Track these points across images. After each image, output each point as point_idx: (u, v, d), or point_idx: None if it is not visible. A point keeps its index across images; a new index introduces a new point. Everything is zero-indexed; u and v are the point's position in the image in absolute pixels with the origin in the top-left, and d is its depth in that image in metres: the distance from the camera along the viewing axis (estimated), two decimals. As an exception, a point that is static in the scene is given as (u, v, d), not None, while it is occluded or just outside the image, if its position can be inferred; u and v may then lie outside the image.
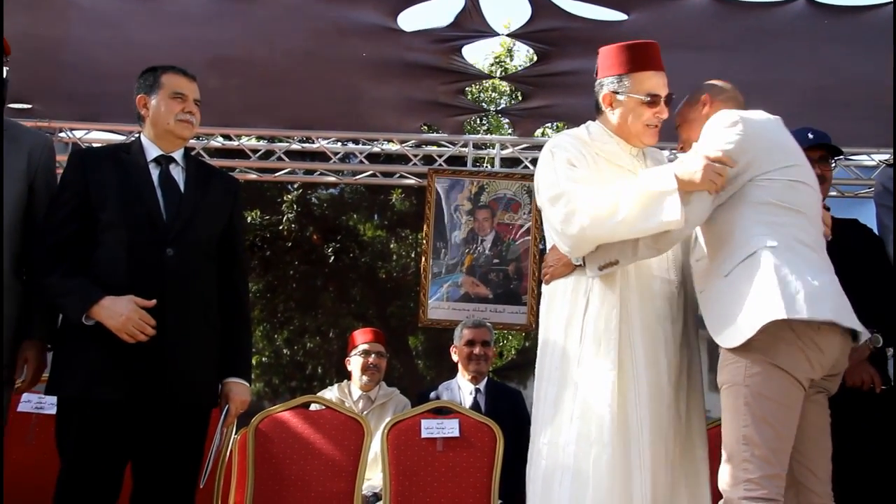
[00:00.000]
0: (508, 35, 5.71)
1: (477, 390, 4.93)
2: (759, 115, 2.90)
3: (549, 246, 3.11)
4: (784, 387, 2.60)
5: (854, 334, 2.74)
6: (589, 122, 3.12)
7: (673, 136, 3.21)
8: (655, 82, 3.00)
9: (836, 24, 4.95)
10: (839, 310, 2.65)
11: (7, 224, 3.06)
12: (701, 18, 4.66)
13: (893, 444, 3.29)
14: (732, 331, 2.67)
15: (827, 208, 3.54)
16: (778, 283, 2.60)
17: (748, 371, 2.61)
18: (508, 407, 4.83)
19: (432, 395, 5.00)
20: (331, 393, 5.10)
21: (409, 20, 5.26)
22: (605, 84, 3.04)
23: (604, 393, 2.78)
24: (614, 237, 2.78)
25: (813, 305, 2.58)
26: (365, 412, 4.87)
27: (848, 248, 3.39)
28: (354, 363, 5.13)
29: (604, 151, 3.01)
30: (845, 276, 3.26)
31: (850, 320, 2.68)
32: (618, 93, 3.01)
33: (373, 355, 5.10)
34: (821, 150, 3.48)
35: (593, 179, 2.89)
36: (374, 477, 4.44)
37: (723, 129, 2.80)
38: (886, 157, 6.24)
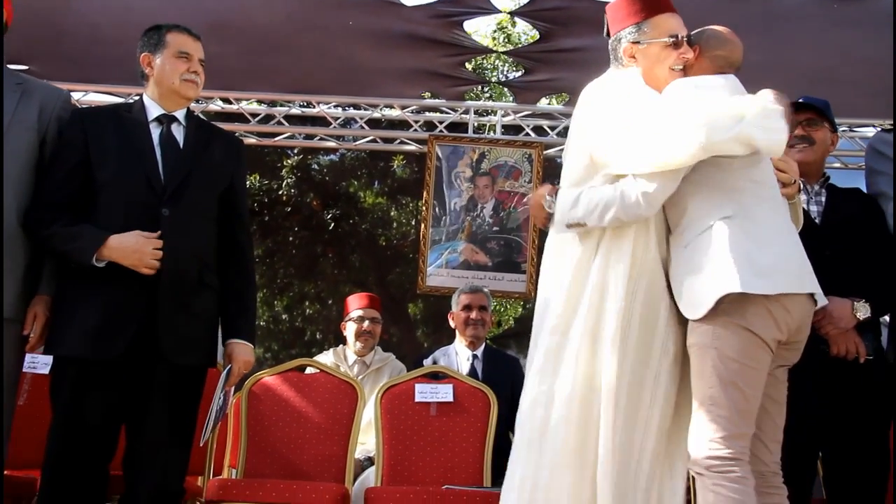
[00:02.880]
0: (510, 13, 5.70)
1: (474, 356, 4.95)
2: (720, 81, 2.83)
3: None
4: (751, 349, 2.62)
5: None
6: (612, 71, 2.98)
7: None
8: (675, 23, 2.89)
9: (844, 9, 4.98)
10: (794, 277, 2.66)
11: (16, 175, 3.09)
12: (708, 1, 4.67)
13: (878, 411, 3.34)
14: (692, 303, 2.68)
15: (827, 177, 3.56)
16: (733, 256, 2.61)
17: (716, 333, 2.62)
18: (506, 373, 4.84)
19: (429, 360, 5.02)
20: (326, 357, 5.14)
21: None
22: (624, 37, 2.91)
23: (604, 349, 2.72)
24: (738, 140, 2.62)
25: (768, 278, 2.60)
26: (360, 377, 4.91)
27: (849, 216, 3.40)
28: (349, 329, 5.18)
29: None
30: (845, 244, 3.31)
31: (807, 286, 2.69)
32: (639, 42, 2.88)
33: (366, 321, 5.13)
34: (807, 113, 3.49)
35: None
36: (367, 441, 4.49)
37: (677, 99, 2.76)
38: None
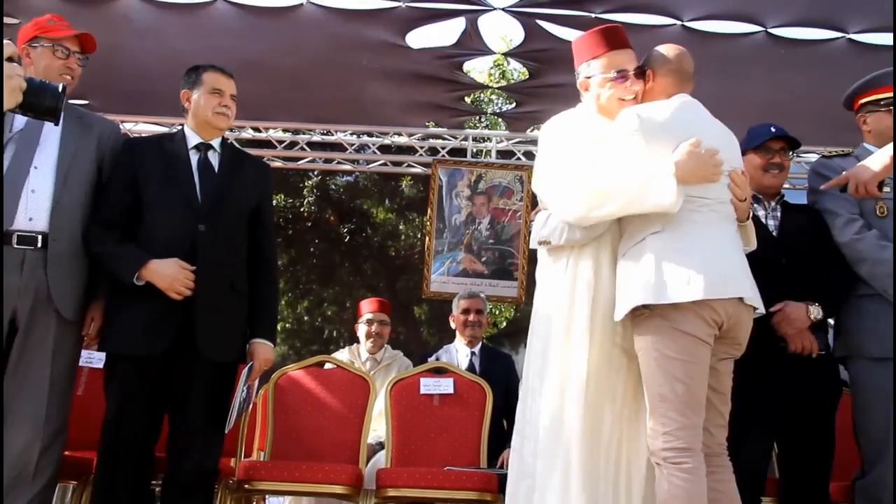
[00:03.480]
0: (504, 54, 5.73)
1: (472, 353, 4.92)
2: (665, 108, 2.78)
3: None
4: (688, 346, 2.60)
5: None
6: (579, 105, 3.03)
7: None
8: (621, 59, 2.88)
9: (792, 54, 5.04)
10: (716, 284, 2.60)
11: (80, 198, 3.12)
12: (673, 44, 4.73)
13: (826, 399, 3.36)
14: (617, 307, 2.70)
15: (782, 195, 3.58)
16: (654, 270, 2.61)
17: (655, 337, 2.62)
18: (500, 369, 4.83)
19: (432, 357, 5.02)
20: (343, 354, 5.13)
21: (416, 39, 5.33)
22: (580, 72, 2.96)
23: (579, 349, 2.73)
24: (611, 216, 2.71)
25: (684, 288, 2.57)
26: (372, 372, 4.91)
27: (801, 229, 3.40)
28: (361, 330, 5.16)
29: (591, 131, 2.88)
30: (799, 254, 3.31)
31: (727, 290, 2.63)
32: (590, 76, 2.91)
33: (375, 324, 5.12)
34: (781, 142, 3.50)
35: (593, 159, 2.80)
36: (378, 428, 4.47)
37: (622, 133, 2.74)
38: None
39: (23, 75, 1.87)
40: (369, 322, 5.14)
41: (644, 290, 2.61)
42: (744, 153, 3.47)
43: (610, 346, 2.75)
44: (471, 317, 4.98)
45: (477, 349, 4.97)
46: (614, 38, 2.92)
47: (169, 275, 3.02)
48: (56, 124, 2.11)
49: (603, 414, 2.71)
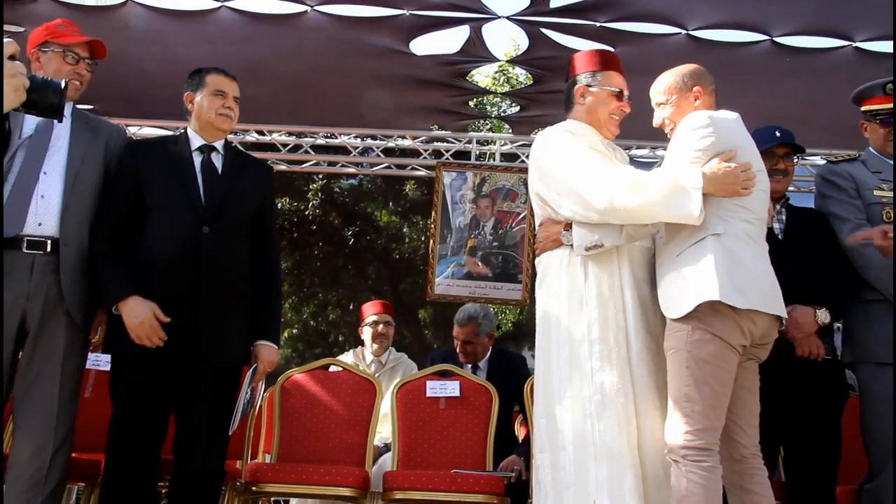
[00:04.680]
0: (508, 61, 5.73)
1: (476, 366, 4.79)
2: (726, 115, 2.89)
3: (537, 222, 3.12)
4: (720, 352, 2.65)
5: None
6: (565, 121, 3.15)
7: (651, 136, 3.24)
8: (622, 81, 3.11)
9: (798, 62, 5.08)
10: (765, 298, 2.70)
11: (90, 202, 3.12)
12: (677, 52, 4.76)
13: (832, 403, 3.37)
14: (675, 304, 2.73)
15: (787, 198, 3.59)
16: (717, 270, 2.65)
17: (689, 338, 2.66)
18: (512, 372, 4.72)
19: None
20: (347, 357, 5.11)
21: (420, 46, 5.34)
22: (581, 79, 3.12)
23: (612, 352, 2.80)
24: (634, 219, 2.79)
25: (742, 294, 2.64)
26: (377, 374, 4.91)
27: (806, 233, 3.43)
28: (366, 333, 5.15)
29: (587, 140, 3.02)
30: (804, 257, 3.33)
31: (774, 308, 2.73)
32: (591, 86, 3.08)
33: (380, 325, 5.10)
34: (786, 147, 3.51)
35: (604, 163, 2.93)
36: (384, 430, 4.48)
37: (694, 131, 2.81)
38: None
39: (25, 73, 1.86)
40: (373, 324, 5.13)
41: (708, 288, 2.65)
42: None
43: (655, 347, 2.82)
44: (458, 346, 4.84)
45: (482, 363, 4.81)
46: (617, 63, 3.16)
47: (138, 317, 2.97)
48: (60, 121, 2.11)
49: (649, 413, 2.77)
